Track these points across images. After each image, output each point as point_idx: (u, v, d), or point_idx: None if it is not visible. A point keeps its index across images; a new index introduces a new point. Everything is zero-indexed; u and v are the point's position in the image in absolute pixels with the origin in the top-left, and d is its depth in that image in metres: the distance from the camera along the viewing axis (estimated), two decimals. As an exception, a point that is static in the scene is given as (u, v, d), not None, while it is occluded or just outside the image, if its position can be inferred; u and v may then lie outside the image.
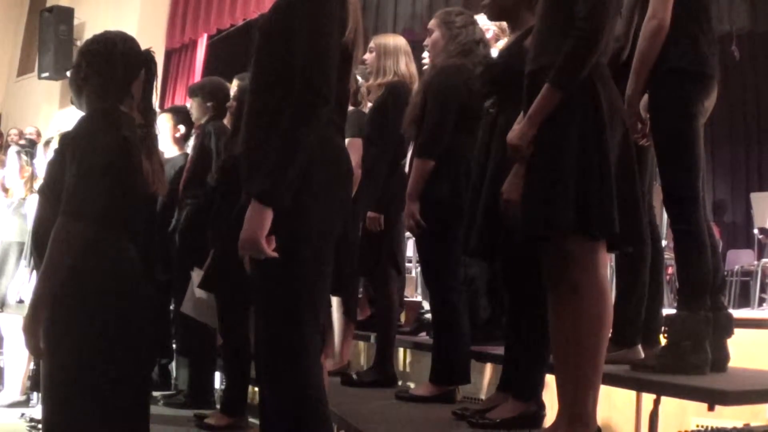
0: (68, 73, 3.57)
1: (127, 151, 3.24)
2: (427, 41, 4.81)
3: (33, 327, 3.12)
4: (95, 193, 3.11)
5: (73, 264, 3.09)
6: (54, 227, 3.09)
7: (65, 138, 3.33)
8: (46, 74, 13.59)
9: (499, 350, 4.22)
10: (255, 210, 2.77)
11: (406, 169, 5.11)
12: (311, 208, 2.86)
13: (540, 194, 3.04)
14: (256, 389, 4.78)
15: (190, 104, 6.24)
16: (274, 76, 2.93)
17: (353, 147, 5.11)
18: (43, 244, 3.16)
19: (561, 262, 3.10)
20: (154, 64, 3.51)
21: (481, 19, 4.89)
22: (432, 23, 4.80)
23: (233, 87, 5.23)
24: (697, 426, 4.13)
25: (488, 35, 5.30)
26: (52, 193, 3.28)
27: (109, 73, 3.36)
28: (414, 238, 4.94)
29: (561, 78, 3.06)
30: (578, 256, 3.08)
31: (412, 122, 4.69)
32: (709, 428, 3.81)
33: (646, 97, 3.86)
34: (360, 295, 6.17)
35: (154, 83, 3.51)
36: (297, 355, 2.86)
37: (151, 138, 3.47)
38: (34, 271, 6.16)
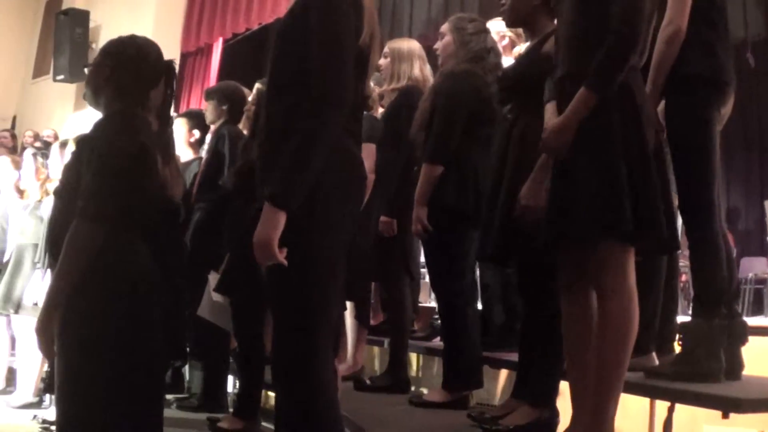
0: (86, 71, 3.57)
1: (144, 155, 3.25)
2: (438, 45, 4.81)
3: (46, 328, 3.12)
4: (112, 195, 3.11)
5: (88, 266, 3.09)
6: (70, 229, 3.09)
7: (83, 140, 3.34)
8: (61, 76, 13.64)
9: (513, 356, 4.21)
10: (267, 213, 2.77)
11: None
12: (323, 213, 2.85)
13: (590, 198, 3.02)
14: (270, 393, 4.79)
15: (205, 107, 6.26)
16: (288, 80, 2.93)
17: (366, 152, 5.09)
18: (57, 245, 3.16)
19: (593, 266, 3.08)
20: (175, 74, 3.53)
21: (498, 26, 4.90)
22: (444, 28, 4.80)
23: (254, 91, 5.24)
24: (711, 434, 4.13)
25: (504, 42, 5.30)
26: (68, 195, 3.28)
27: (138, 78, 3.37)
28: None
29: (598, 81, 3.05)
30: (612, 260, 3.07)
31: (420, 127, 4.69)
32: (723, 436, 3.80)
33: (662, 103, 3.86)
34: (373, 300, 6.17)
35: (172, 91, 3.52)
36: (308, 360, 2.86)
37: (167, 143, 3.48)
38: (48, 273, 6.17)
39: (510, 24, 4.13)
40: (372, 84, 5.60)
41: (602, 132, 3.04)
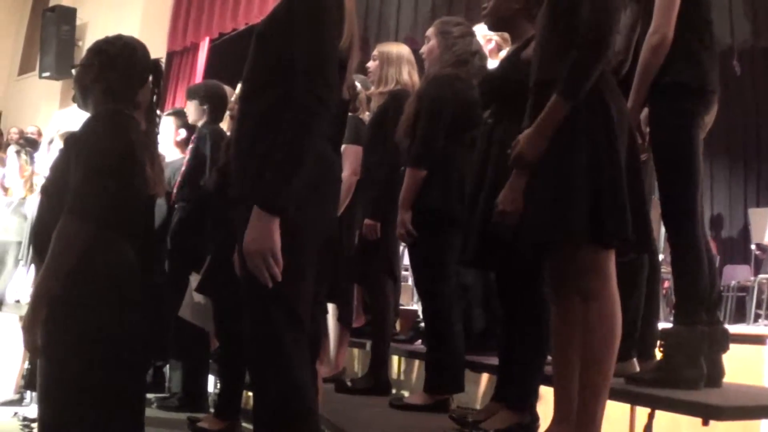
0: (73, 71, 3.57)
1: (132, 154, 3.25)
2: (424, 49, 4.81)
3: (33, 325, 3.12)
4: (100, 194, 3.11)
5: (75, 264, 3.09)
6: (57, 226, 3.09)
7: (71, 138, 3.33)
8: (47, 74, 13.60)
9: (494, 360, 4.21)
10: (261, 221, 2.72)
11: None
12: (296, 214, 2.79)
13: (555, 202, 3.02)
14: (250, 394, 4.79)
15: (187, 106, 6.24)
16: (267, 81, 2.91)
17: (351, 154, 5.12)
18: (43, 243, 3.16)
19: (574, 270, 3.09)
20: (162, 72, 3.52)
21: (484, 29, 4.89)
22: (429, 32, 4.80)
23: (237, 91, 5.23)
24: (691, 440, 4.13)
25: (490, 45, 5.31)
26: (54, 192, 3.28)
27: (125, 77, 3.38)
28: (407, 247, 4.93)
29: (569, 88, 3.05)
30: (592, 264, 3.07)
31: (405, 132, 4.69)
32: (703, 443, 3.81)
33: (645, 111, 3.86)
34: (355, 302, 6.16)
35: (160, 90, 3.52)
36: (277, 361, 2.83)
37: (153, 142, 3.49)
38: (32, 270, 6.15)
39: (491, 27, 4.13)
40: (359, 86, 5.60)
41: (565, 136, 3.04)
